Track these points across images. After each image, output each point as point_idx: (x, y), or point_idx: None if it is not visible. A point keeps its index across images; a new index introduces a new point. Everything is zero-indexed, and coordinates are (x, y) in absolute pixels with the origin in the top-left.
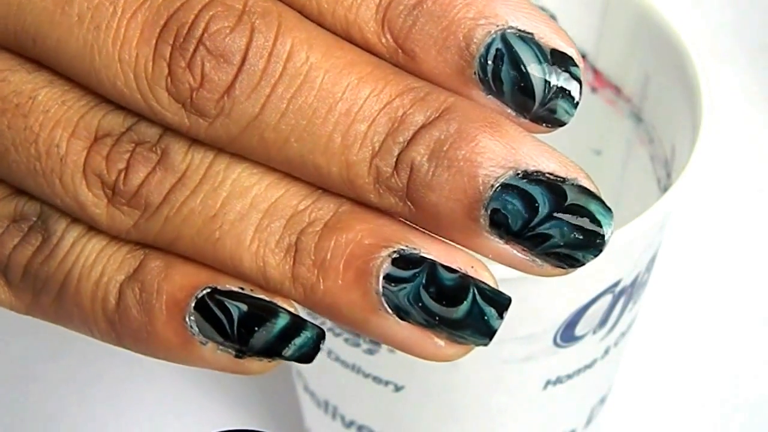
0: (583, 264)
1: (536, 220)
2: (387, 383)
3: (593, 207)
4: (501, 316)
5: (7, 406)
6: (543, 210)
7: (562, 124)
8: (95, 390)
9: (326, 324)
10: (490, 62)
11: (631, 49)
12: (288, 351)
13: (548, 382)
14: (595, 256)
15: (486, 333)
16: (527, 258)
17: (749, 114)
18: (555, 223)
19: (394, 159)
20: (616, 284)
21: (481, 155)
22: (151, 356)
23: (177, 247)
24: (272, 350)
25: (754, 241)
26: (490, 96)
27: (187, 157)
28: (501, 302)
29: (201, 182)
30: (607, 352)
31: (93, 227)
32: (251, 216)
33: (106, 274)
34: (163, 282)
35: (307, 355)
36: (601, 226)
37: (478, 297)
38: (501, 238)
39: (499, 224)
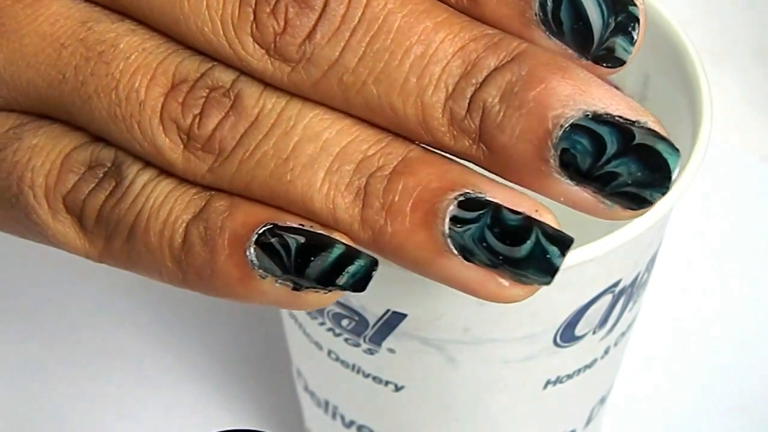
0: (651, 204)
1: (604, 158)
2: (387, 383)
3: (660, 146)
4: (563, 254)
5: (7, 406)
6: (611, 149)
7: (621, 62)
8: (95, 390)
9: (326, 325)
10: (549, 2)
11: None
12: (342, 279)
13: (548, 382)
14: (662, 194)
15: (548, 271)
16: (597, 200)
17: (749, 114)
18: (622, 161)
19: (467, 101)
20: (616, 284)
21: (550, 96)
22: (215, 294)
23: (252, 189)
24: (327, 279)
25: (754, 241)
26: (552, 38)
27: (260, 102)
28: (563, 241)
29: (273, 126)
30: (607, 352)
31: (167, 171)
32: (322, 159)
33: (174, 213)
34: (227, 219)
35: (360, 283)
36: (668, 165)
37: (541, 236)
38: (572, 179)
39: (568, 164)
